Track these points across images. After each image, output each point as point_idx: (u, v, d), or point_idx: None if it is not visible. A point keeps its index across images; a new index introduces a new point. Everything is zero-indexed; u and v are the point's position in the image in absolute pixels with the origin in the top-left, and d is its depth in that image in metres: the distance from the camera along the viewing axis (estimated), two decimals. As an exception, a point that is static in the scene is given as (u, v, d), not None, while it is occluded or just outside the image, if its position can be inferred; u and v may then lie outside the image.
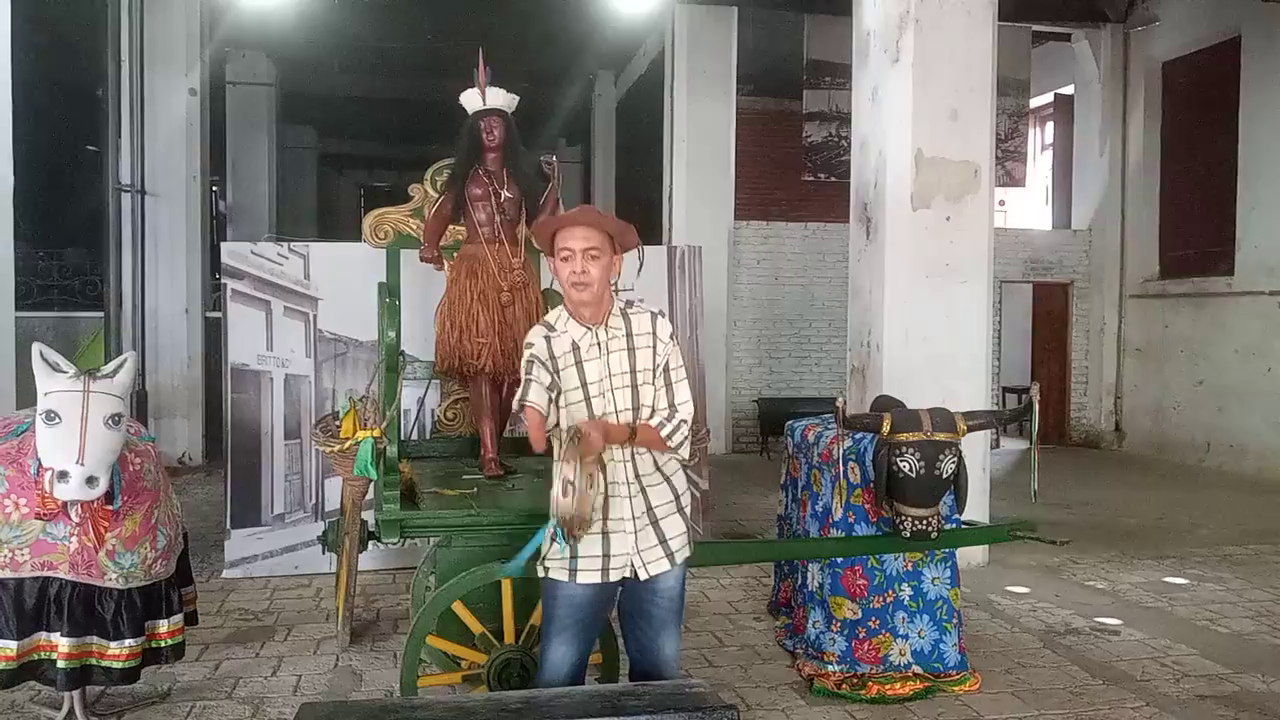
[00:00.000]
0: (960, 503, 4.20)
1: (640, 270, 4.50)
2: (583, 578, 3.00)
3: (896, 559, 4.35)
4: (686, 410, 3.06)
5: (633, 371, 3.03)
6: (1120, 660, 4.76)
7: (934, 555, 4.38)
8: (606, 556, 2.99)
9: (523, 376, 3.00)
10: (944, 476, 3.96)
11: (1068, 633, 5.17)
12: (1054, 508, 8.30)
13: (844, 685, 4.27)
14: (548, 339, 3.04)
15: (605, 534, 2.98)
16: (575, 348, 3.02)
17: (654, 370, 3.04)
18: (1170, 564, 6.62)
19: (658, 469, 3.08)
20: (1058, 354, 13.12)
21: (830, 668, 4.33)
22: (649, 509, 3.04)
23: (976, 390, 6.21)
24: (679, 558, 3.08)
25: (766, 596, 5.60)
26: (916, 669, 4.34)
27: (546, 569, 3.05)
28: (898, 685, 4.27)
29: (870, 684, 4.26)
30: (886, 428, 3.99)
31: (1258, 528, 7.79)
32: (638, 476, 3.03)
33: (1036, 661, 4.74)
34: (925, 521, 3.95)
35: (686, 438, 3.06)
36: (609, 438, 2.90)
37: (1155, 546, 7.11)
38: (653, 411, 3.02)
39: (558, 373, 3.00)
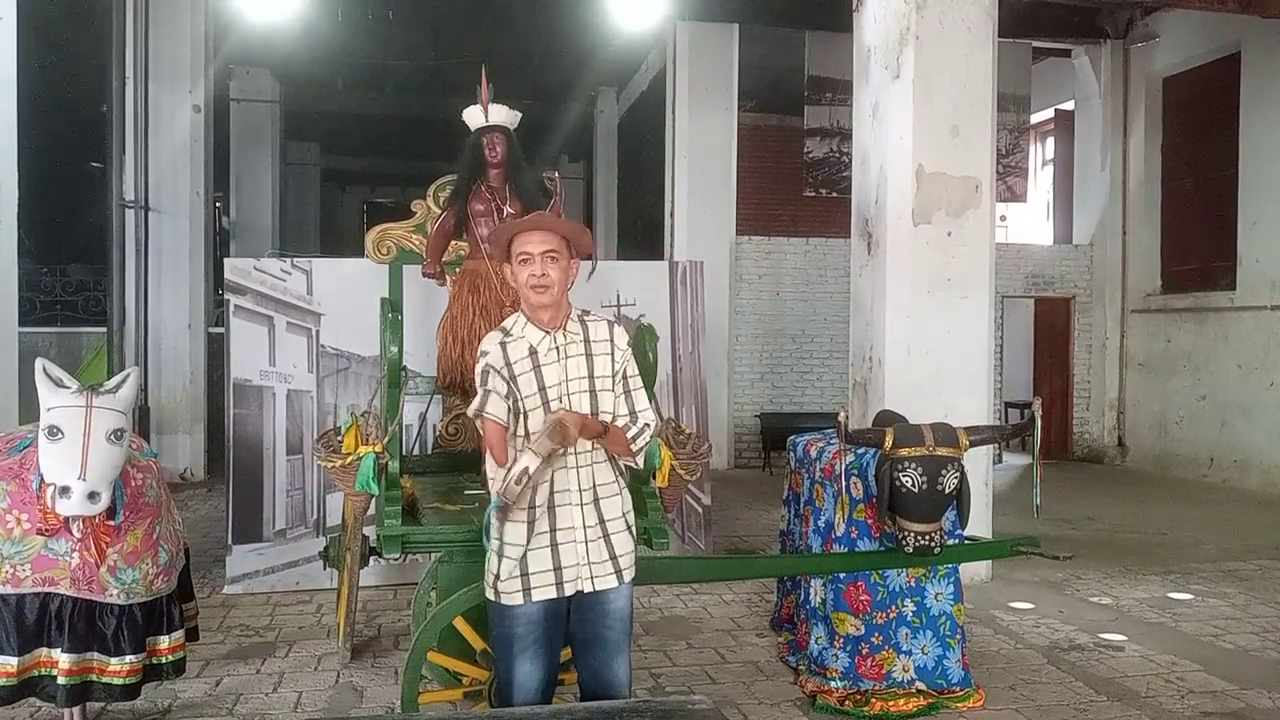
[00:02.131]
0: (963, 518, 4.19)
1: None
2: (538, 595, 2.95)
3: (899, 574, 4.34)
4: (648, 416, 3.08)
5: (591, 377, 3.02)
6: (1125, 676, 4.74)
7: (937, 571, 4.37)
8: (558, 570, 2.95)
9: (478, 387, 2.97)
10: (946, 491, 3.95)
11: (1072, 649, 5.15)
12: (1057, 523, 8.29)
13: (847, 702, 4.25)
14: (503, 345, 3.01)
15: (554, 546, 2.94)
16: (533, 352, 3.00)
17: (612, 377, 3.04)
18: (1174, 579, 6.60)
19: (615, 479, 3.07)
20: (1060, 369, 13.11)
21: (833, 684, 4.31)
22: (601, 521, 3.00)
23: (978, 405, 6.21)
24: (627, 576, 3.05)
25: (769, 612, 5.58)
26: (920, 685, 4.32)
27: (499, 594, 2.98)
28: (901, 702, 4.25)
29: (873, 700, 4.24)
30: (889, 443, 3.99)
31: (1262, 543, 7.77)
32: (594, 486, 3.00)
33: (1040, 678, 4.72)
34: (928, 537, 3.95)
35: (647, 445, 3.07)
36: (584, 432, 2.89)
37: (1159, 562, 7.09)
38: (614, 417, 3.02)
39: (514, 379, 2.97)
